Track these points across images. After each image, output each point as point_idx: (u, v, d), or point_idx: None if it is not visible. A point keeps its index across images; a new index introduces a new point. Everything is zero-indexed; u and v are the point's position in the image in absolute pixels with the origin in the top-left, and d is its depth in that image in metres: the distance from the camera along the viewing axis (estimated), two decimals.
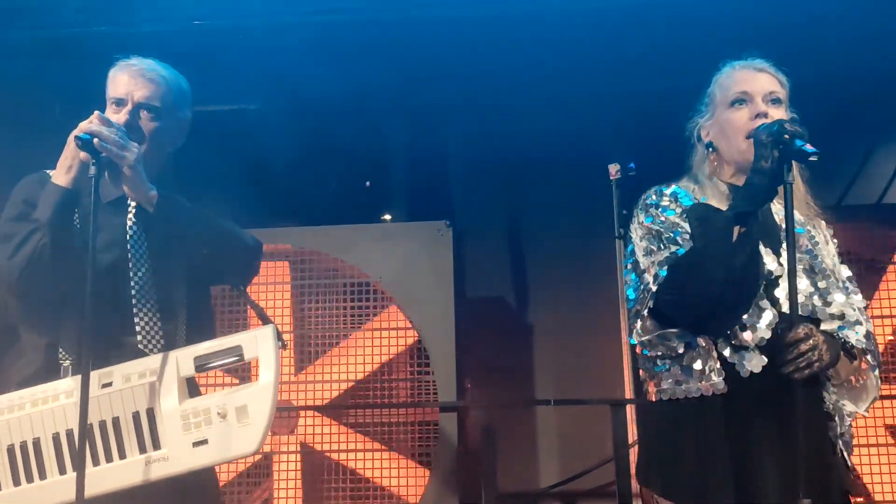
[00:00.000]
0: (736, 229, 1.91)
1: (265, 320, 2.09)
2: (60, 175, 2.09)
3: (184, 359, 2.01)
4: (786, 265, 1.90)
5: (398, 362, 3.73)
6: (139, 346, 2.10)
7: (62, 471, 1.97)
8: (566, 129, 4.17)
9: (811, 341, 1.84)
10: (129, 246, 2.15)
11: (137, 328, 2.11)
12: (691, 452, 1.97)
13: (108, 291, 2.10)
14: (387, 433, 3.68)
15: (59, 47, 4.08)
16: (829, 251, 2.13)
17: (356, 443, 3.62)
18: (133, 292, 2.13)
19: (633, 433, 3.58)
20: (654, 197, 2.11)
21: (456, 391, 3.58)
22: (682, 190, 2.11)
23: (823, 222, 2.19)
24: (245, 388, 1.97)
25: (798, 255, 1.98)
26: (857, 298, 2.10)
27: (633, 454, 3.55)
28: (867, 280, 3.70)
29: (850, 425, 2.05)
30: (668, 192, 2.10)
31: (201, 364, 2.01)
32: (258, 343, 2.00)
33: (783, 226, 1.95)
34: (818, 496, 1.85)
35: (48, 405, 2.00)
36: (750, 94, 2.06)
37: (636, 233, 2.08)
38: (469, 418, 3.67)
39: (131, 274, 2.13)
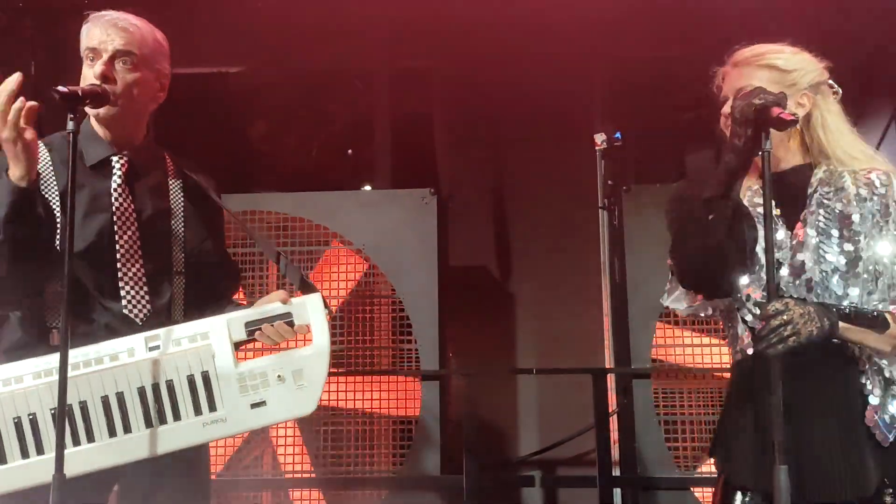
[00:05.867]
0: (708, 211, 1.93)
1: (310, 287, 2.08)
2: (15, 168, 1.92)
3: (235, 323, 2.02)
4: (784, 237, 1.91)
5: (381, 330, 3.72)
6: (124, 311, 2.07)
7: (89, 439, 1.95)
8: (552, 98, 4.15)
9: (783, 317, 1.83)
10: (113, 209, 2.11)
11: (122, 293, 2.07)
12: (724, 419, 2.07)
13: (95, 256, 2.07)
14: (368, 401, 3.67)
15: (33, 4, 3.99)
16: (849, 205, 1.99)
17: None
18: (118, 256, 2.09)
19: (613, 402, 3.61)
20: None
21: (438, 359, 3.58)
22: None
23: (883, 176, 2.01)
24: (300, 352, 2.02)
25: (811, 221, 1.98)
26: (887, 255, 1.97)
27: (614, 423, 3.59)
28: None
29: None
30: None
31: (252, 329, 2.03)
32: (308, 309, 2.03)
33: (806, 192, 2.00)
34: (842, 484, 1.87)
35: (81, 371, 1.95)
36: (725, 95, 2.09)
37: None
38: (451, 386, 3.67)
39: (116, 238, 2.10)
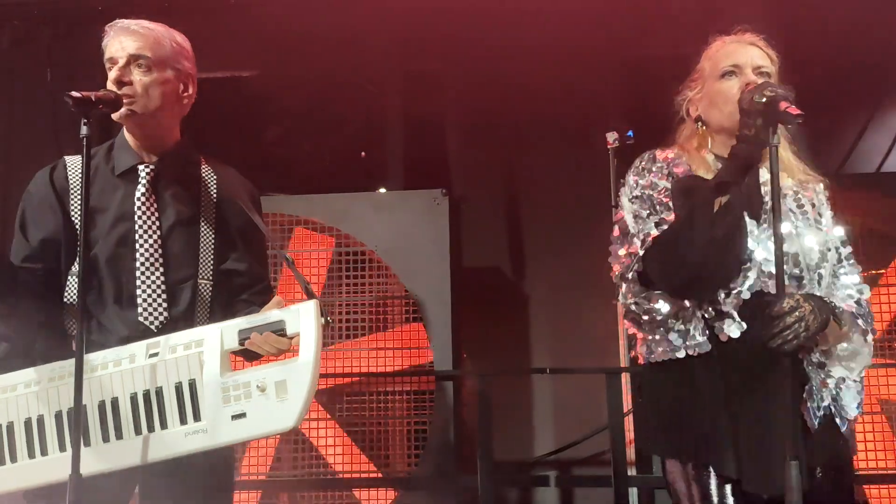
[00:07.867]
0: (717, 200, 1.92)
1: (309, 295, 2.03)
2: None
3: (228, 331, 1.99)
4: (772, 230, 1.90)
5: (394, 331, 3.73)
6: (139, 318, 2.09)
7: (86, 443, 1.96)
8: (564, 97, 4.15)
9: (797, 313, 1.86)
10: (136, 217, 2.13)
11: (139, 300, 2.09)
12: (680, 413, 2.01)
13: (116, 265, 2.10)
14: (383, 402, 3.69)
15: (50, 12, 4.03)
16: (819, 214, 2.10)
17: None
18: (138, 264, 2.11)
19: (627, 402, 3.60)
20: (647, 162, 2.12)
21: (452, 360, 3.59)
22: (675, 157, 2.11)
23: (821, 185, 2.16)
24: (285, 364, 1.94)
25: (785, 221, 1.99)
26: (851, 262, 2.09)
27: (628, 423, 3.58)
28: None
29: (842, 390, 2.00)
30: (660, 158, 2.11)
31: (245, 338, 1.98)
32: (300, 318, 1.96)
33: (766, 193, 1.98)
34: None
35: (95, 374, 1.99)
36: (740, 67, 2.07)
37: (626, 195, 2.11)
38: (465, 387, 3.68)
39: (137, 246, 2.12)
